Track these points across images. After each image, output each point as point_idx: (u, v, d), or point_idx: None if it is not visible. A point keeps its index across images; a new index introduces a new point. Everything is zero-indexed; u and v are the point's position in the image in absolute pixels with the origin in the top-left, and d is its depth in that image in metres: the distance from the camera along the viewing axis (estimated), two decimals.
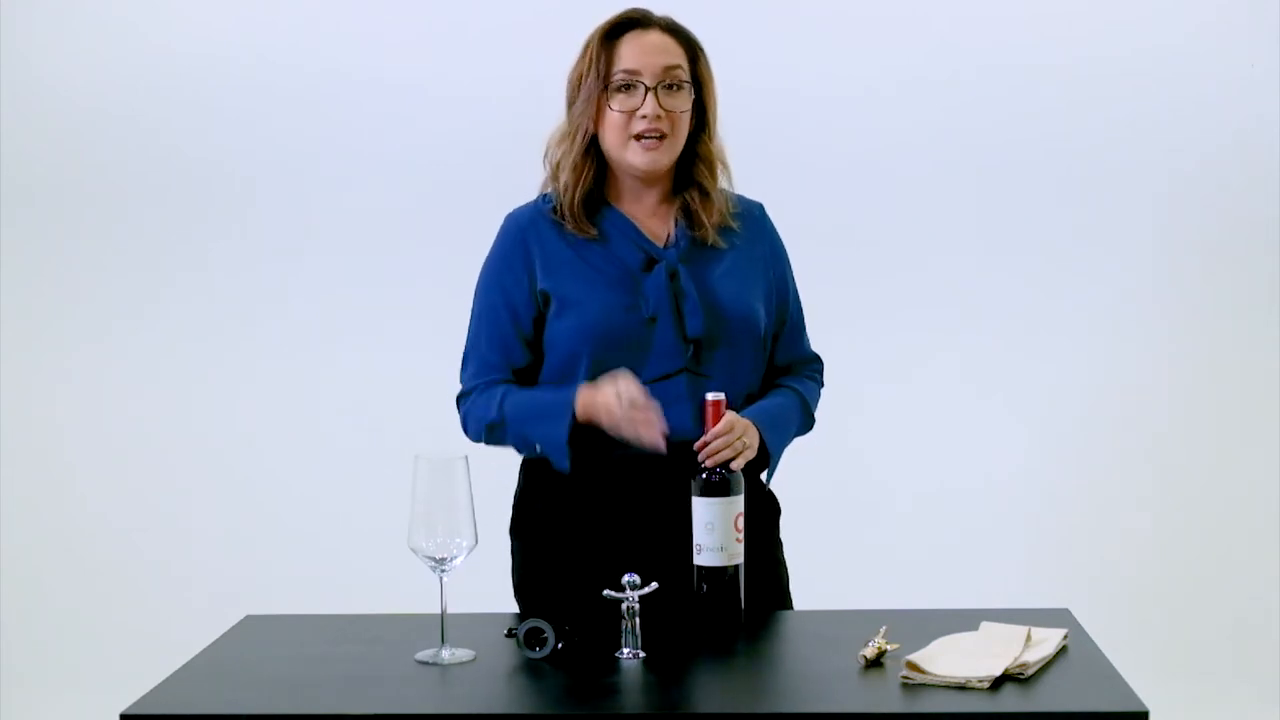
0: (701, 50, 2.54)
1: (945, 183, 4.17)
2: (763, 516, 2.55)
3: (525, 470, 2.59)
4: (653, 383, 2.45)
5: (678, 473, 2.40)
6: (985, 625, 2.22)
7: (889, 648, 2.11)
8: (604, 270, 2.48)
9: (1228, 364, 4.17)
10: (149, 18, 4.23)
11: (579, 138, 2.51)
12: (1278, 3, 4.07)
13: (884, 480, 4.21)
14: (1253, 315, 4.15)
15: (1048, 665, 2.10)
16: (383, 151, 4.23)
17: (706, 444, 2.35)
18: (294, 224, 4.27)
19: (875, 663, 2.10)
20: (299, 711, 1.98)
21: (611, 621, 2.18)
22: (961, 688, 1.99)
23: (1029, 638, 2.16)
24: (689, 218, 2.54)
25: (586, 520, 2.48)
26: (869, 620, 2.25)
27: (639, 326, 2.47)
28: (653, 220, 2.56)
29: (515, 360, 2.53)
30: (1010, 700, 1.96)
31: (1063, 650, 2.16)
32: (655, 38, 2.50)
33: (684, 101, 2.50)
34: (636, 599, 2.16)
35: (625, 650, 2.16)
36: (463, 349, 2.59)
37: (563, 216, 2.51)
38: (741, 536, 2.30)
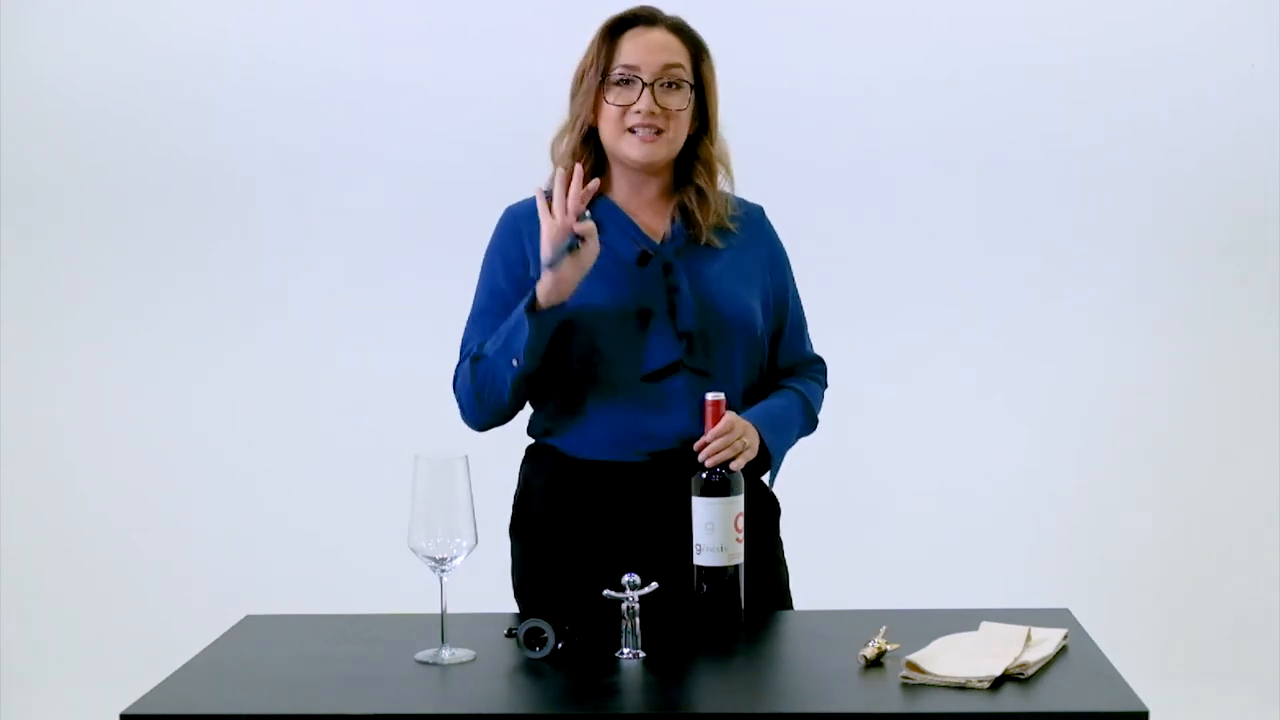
0: (707, 53, 2.55)
1: (945, 183, 4.17)
2: (763, 517, 2.55)
3: (525, 470, 2.59)
4: (647, 377, 2.45)
5: (678, 472, 2.40)
6: (985, 625, 2.22)
7: (889, 648, 2.11)
8: (598, 262, 2.48)
9: (1228, 364, 4.17)
10: (149, 18, 4.23)
11: (578, 128, 2.53)
12: (1278, 3, 4.07)
13: (884, 480, 4.21)
14: (1253, 315, 4.15)
15: (1048, 665, 2.10)
16: (383, 151, 4.23)
17: (706, 444, 2.35)
18: (294, 224, 4.27)
19: (875, 663, 2.10)
20: (299, 711, 1.98)
21: (611, 621, 2.18)
22: (961, 688, 1.99)
23: (1029, 638, 2.16)
24: (686, 217, 2.55)
25: (586, 520, 2.49)
26: (869, 620, 2.25)
27: (632, 319, 2.47)
28: (650, 216, 2.56)
29: None
30: (1010, 700, 1.96)
31: (1063, 650, 2.16)
32: (659, 36, 2.51)
33: (681, 100, 2.50)
34: (636, 599, 2.16)
35: (625, 650, 2.16)
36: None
37: None
38: (741, 536, 2.30)
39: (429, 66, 4.19)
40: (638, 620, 2.16)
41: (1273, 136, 4.09)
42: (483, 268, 2.59)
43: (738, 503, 2.31)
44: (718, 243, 2.55)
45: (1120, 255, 4.17)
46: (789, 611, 2.54)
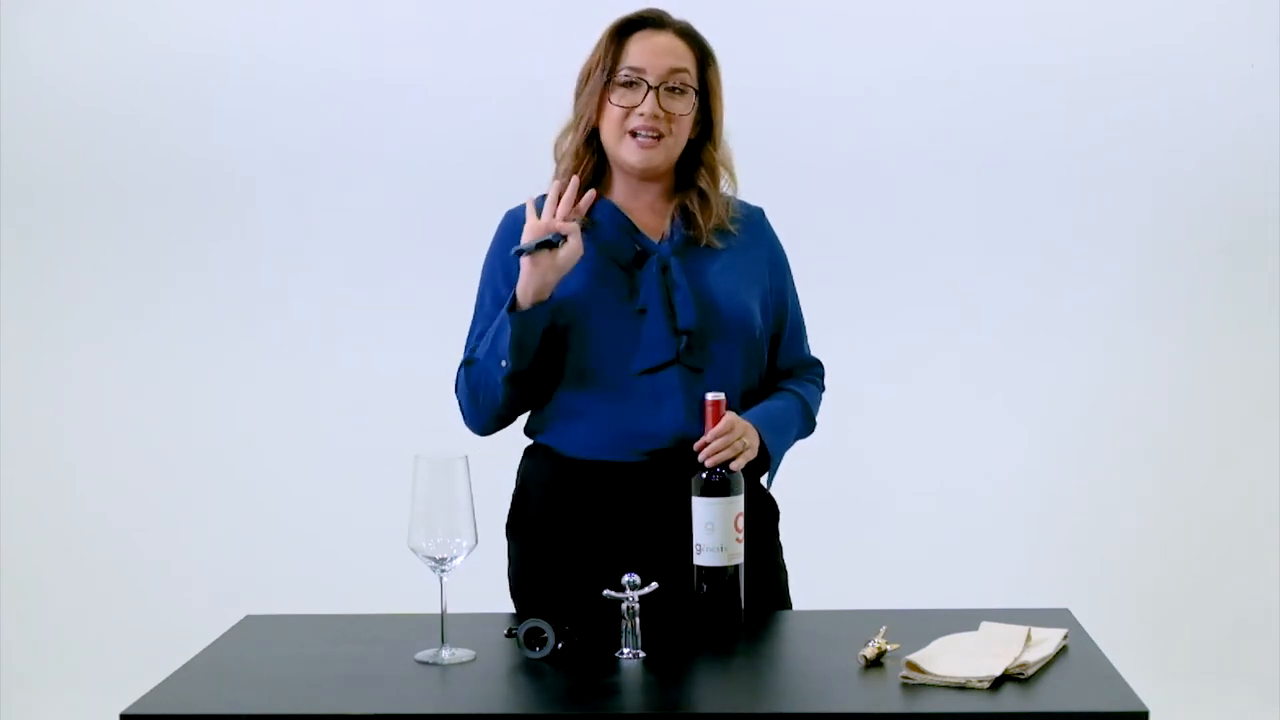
0: (713, 58, 2.55)
1: (945, 183, 4.17)
2: (761, 520, 2.55)
3: (522, 469, 2.59)
4: (643, 374, 2.46)
5: (677, 472, 2.40)
6: (985, 625, 2.22)
7: (889, 648, 2.11)
8: (595, 262, 2.48)
9: (1228, 364, 4.17)
10: (149, 18, 4.23)
11: (581, 128, 2.53)
12: (1278, 3, 4.07)
13: (884, 480, 4.20)
14: (1253, 315, 4.15)
15: (1048, 665, 2.10)
16: (383, 151, 4.23)
17: (706, 444, 2.35)
18: (294, 224, 4.27)
19: (875, 663, 2.10)
20: (299, 711, 1.98)
21: (611, 621, 2.18)
22: (961, 688, 1.99)
23: (1029, 638, 2.16)
24: (686, 218, 2.55)
25: (583, 520, 2.49)
26: (869, 620, 2.25)
27: (629, 318, 2.47)
28: (650, 216, 2.56)
29: None
30: (1010, 700, 1.96)
31: (1063, 650, 2.16)
32: (665, 39, 2.51)
33: (685, 105, 2.51)
34: (636, 599, 2.16)
35: (625, 650, 2.16)
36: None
37: None
38: (741, 536, 2.31)
39: (429, 66, 4.19)
40: (638, 620, 2.16)
41: (1273, 136, 4.09)
42: (483, 272, 2.59)
43: (738, 503, 2.31)
44: (717, 244, 2.55)
45: (1120, 255, 4.17)
46: (789, 611, 2.54)
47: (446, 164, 4.19)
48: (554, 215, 2.42)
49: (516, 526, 2.56)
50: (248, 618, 2.44)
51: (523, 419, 2.60)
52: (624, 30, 2.52)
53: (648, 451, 2.46)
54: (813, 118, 4.16)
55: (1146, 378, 4.18)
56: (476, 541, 2.17)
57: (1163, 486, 4.19)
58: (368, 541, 3.66)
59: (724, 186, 2.59)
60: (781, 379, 2.62)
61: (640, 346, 2.47)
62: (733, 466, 2.34)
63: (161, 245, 4.28)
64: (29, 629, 4.32)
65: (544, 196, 2.46)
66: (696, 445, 2.35)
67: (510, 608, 2.54)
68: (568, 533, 2.49)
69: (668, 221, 2.55)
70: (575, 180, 2.45)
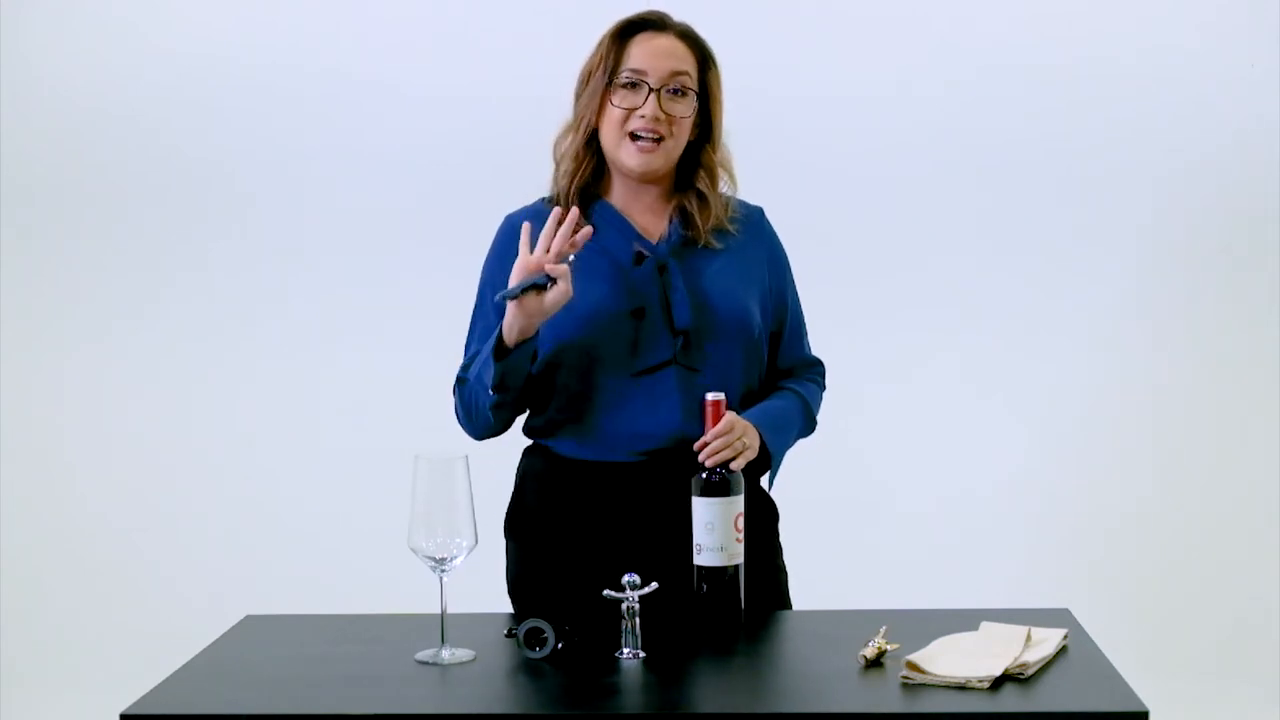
0: (714, 61, 2.55)
1: (945, 183, 4.17)
2: (761, 522, 2.54)
3: (521, 469, 2.59)
4: (641, 374, 2.46)
5: (676, 472, 2.40)
6: (985, 625, 2.22)
7: (889, 648, 2.11)
8: (592, 263, 2.48)
9: (1228, 364, 4.17)
10: (149, 18, 4.23)
11: (581, 129, 2.53)
12: (1278, 3, 4.07)
13: (884, 480, 4.21)
14: (1253, 315, 4.15)
15: (1048, 665, 2.10)
16: (383, 151, 4.23)
17: (706, 444, 2.35)
18: (294, 224, 4.27)
19: (875, 663, 2.10)
20: (299, 711, 1.98)
21: (611, 621, 2.18)
22: (961, 688, 1.99)
23: (1029, 638, 2.16)
24: (685, 219, 2.55)
25: (582, 520, 2.49)
26: (869, 620, 2.25)
27: (626, 318, 2.47)
28: (648, 217, 2.56)
29: None
30: (1010, 700, 1.96)
31: (1063, 650, 2.16)
32: (667, 41, 2.51)
33: (686, 108, 2.51)
34: (636, 599, 2.16)
35: (625, 650, 2.16)
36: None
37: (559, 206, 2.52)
38: (741, 536, 2.30)
39: (429, 67, 4.19)
40: (638, 620, 2.16)
41: (1273, 136, 4.09)
42: (482, 275, 2.58)
43: (738, 503, 2.31)
44: (716, 244, 2.55)
45: (1120, 255, 4.17)
46: (789, 611, 2.54)
47: (446, 164, 4.19)
48: (546, 251, 2.39)
49: (516, 526, 2.56)
50: (248, 618, 2.44)
51: (522, 419, 2.60)
52: (625, 32, 2.52)
53: (646, 451, 2.46)
54: (813, 118, 4.16)
55: (1146, 378, 4.19)
56: (476, 541, 2.17)
57: (1163, 486, 4.19)
58: (368, 541, 3.66)
59: (723, 187, 2.59)
60: (782, 378, 2.62)
61: (639, 347, 2.47)
62: (733, 466, 2.34)
63: (161, 245, 4.29)
64: (29, 629, 4.32)
65: (542, 223, 2.41)
66: (696, 445, 2.35)
67: (510, 608, 2.54)
68: (567, 533, 2.49)
69: (666, 222, 2.55)
70: (575, 212, 2.41)
